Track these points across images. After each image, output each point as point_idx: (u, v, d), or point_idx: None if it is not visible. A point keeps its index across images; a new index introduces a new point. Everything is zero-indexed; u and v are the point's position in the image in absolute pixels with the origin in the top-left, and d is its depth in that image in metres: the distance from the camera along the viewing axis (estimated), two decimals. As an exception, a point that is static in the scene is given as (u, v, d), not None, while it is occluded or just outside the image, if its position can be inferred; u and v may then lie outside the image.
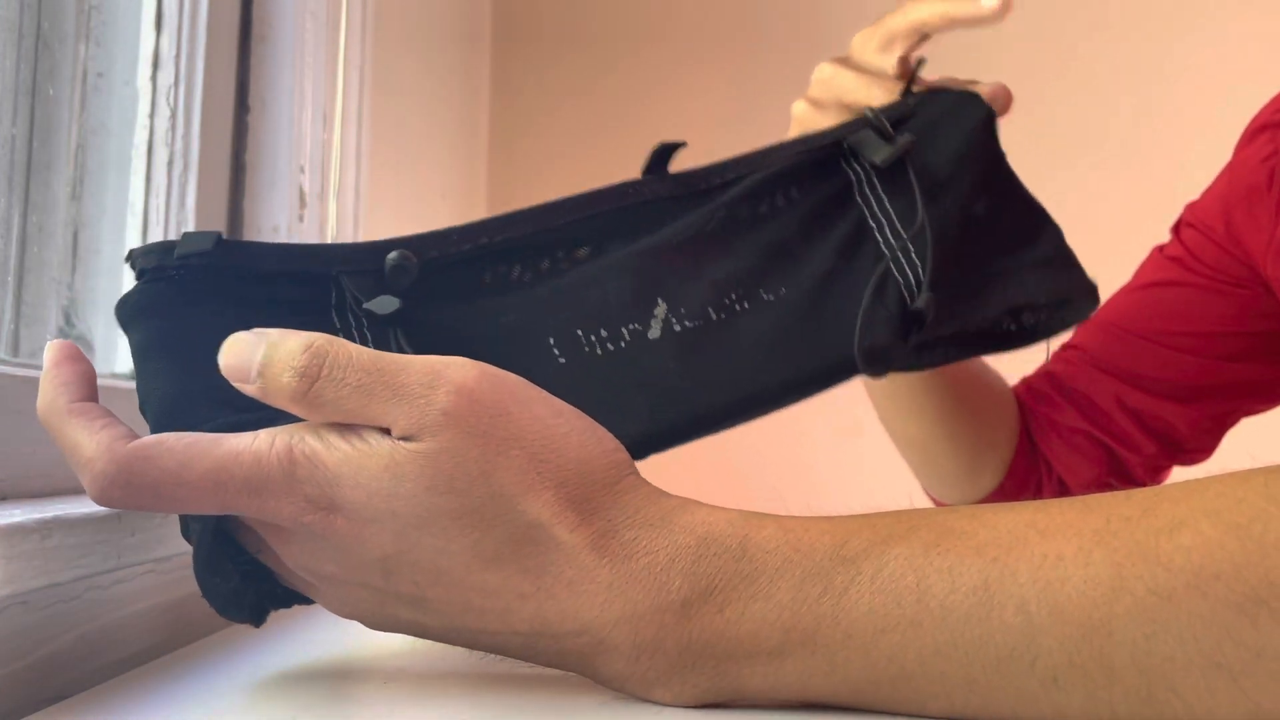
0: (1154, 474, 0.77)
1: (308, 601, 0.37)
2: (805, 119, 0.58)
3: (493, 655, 0.35)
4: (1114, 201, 1.66)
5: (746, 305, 0.42)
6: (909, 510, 0.33)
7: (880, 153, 0.46)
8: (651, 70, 1.86)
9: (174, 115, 0.69)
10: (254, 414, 0.34)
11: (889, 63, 0.56)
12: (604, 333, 0.40)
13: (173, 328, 0.36)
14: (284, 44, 0.79)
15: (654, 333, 0.41)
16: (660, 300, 0.41)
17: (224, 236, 0.37)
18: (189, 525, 0.35)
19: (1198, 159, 0.92)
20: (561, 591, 0.32)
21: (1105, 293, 0.80)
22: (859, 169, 0.47)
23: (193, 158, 0.70)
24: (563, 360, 0.40)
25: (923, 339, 0.46)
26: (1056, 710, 0.29)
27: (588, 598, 0.32)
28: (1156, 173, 1.60)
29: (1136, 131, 1.70)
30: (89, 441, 0.33)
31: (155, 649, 0.46)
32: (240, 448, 0.32)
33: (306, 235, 0.81)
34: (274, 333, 0.33)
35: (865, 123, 0.47)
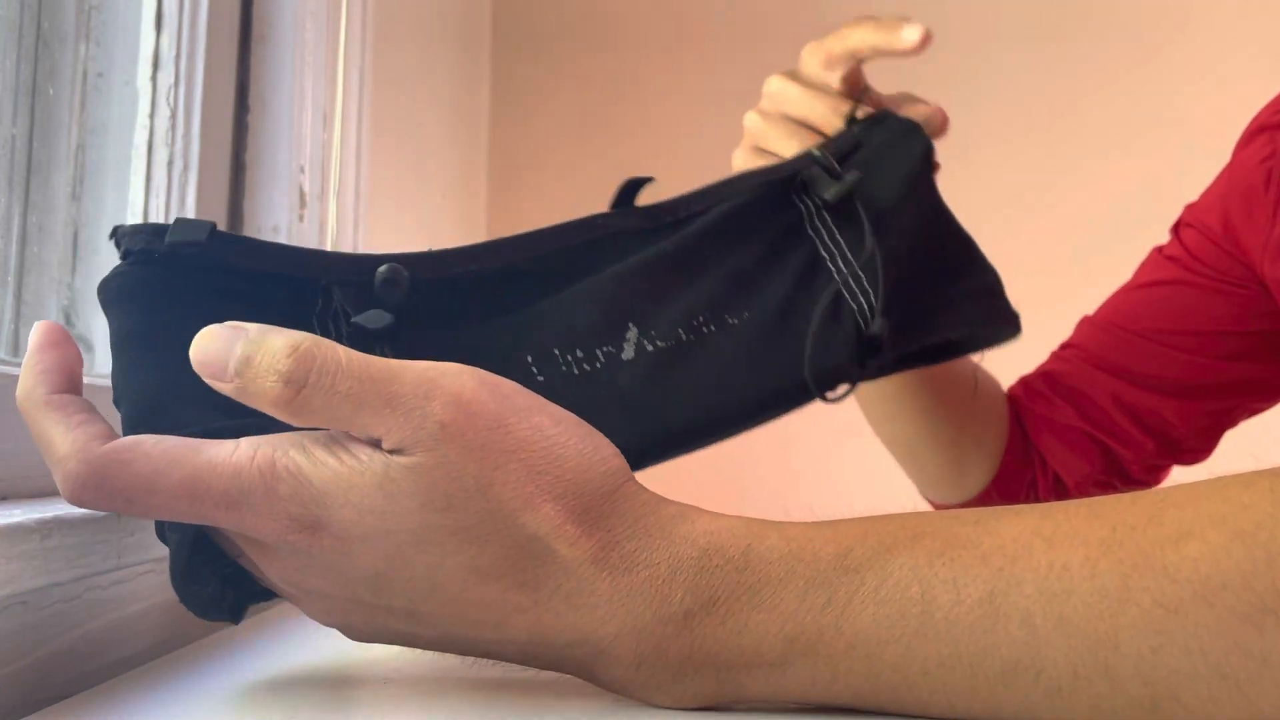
0: (1151, 472, 0.77)
1: None
2: (754, 130, 0.60)
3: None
4: (1113, 202, 1.66)
5: (713, 328, 0.44)
6: (913, 515, 0.33)
7: (829, 189, 0.49)
8: (651, 70, 1.86)
9: (174, 115, 0.69)
10: (238, 420, 0.33)
11: (832, 79, 0.58)
12: (579, 353, 0.42)
13: (155, 318, 0.35)
14: (284, 44, 0.79)
15: (627, 353, 0.43)
16: (631, 324, 0.43)
17: (217, 228, 0.37)
18: (165, 530, 0.34)
19: (1197, 160, 0.93)
20: (560, 605, 0.31)
21: (1104, 292, 0.81)
22: (809, 202, 0.49)
23: (193, 158, 0.70)
24: (541, 379, 0.41)
25: (883, 359, 0.49)
26: (1059, 719, 0.29)
27: (587, 610, 0.31)
28: (1155, 173, 1.60)
29: (1136, 132, 1.70)
30: (63, 438, 0.31)
31: (155, 649, 0.46)
32: (219, 459, 0.31)
33: (306, 235, 0.81)
34: (252, 328, 0.31)
35: (814, 161, 0.50)
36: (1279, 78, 0.85)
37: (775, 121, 0.59)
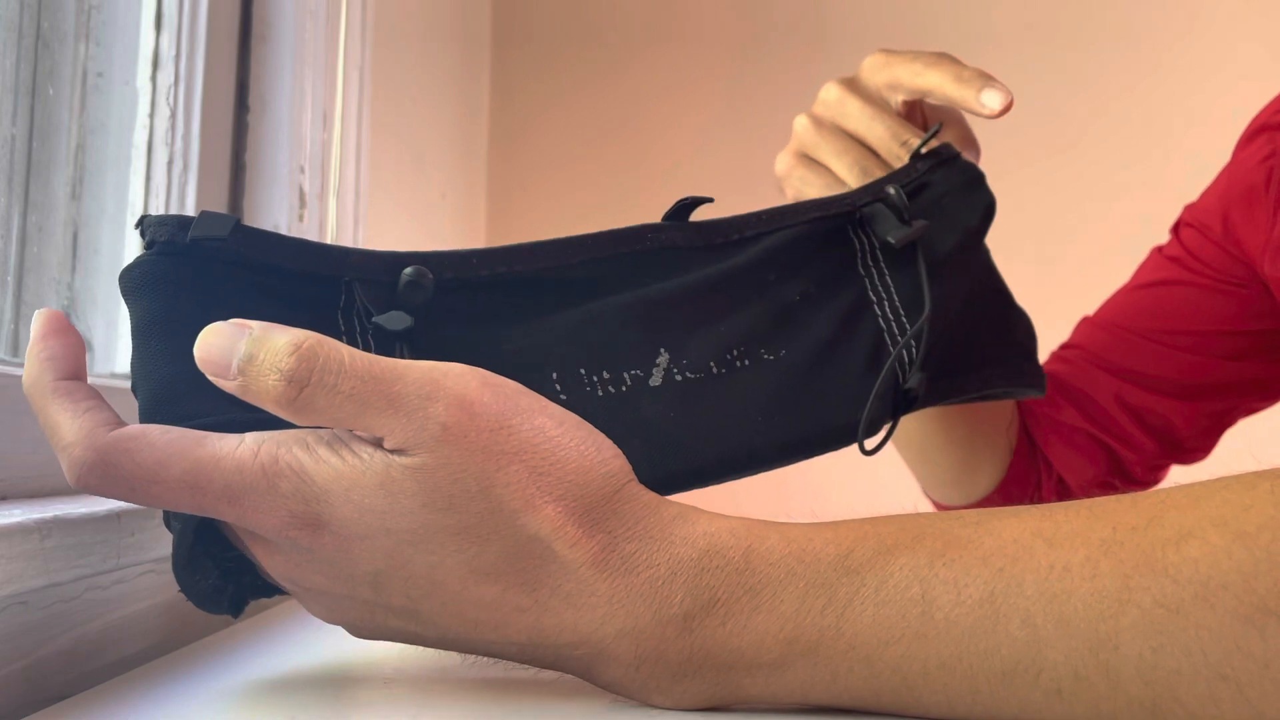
0: (1153, 472, 0.77)
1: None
2: (805, 137, 0.58)
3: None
4: (1113, 202, 1.66)
5: (748, 362, 0.43)
6: (914, 516, 0.33)
7: (894, 232, 0.47)
8: (651, 71, 1.86)
9: (174, 115, 0.69)
10: (251, 413, 0.33)
11: (893, 99, 0.56)
12: (606, 374, 0.40)
13: (176, 309, 0.35)
14: (284, 44, 0.79)
15: (655, 380, 0.41)
16: (663, 350, 0.41)
17: (241, 222, 0.36)
18: (170, 517, 0.34)
19: (1197, 159, 0.93)
20: (560, 605, 0.31)
21: (1105, 292, 0.81)
22: (864, 240, 0.47)
23: (193, 158, 0.70)
24: (564, 396, 0.40)
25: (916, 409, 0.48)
26: None
27: (587, 611, 0.31)
28: (1156, 173, 1.60)
29: (1136, 132, 1.70)
30: (70, 425, 0.32)
31: (155, 649, 0.46)
32: (222, 452, 0.31)
33: (306, 235, 0.81)
34: (256, 326, 0.31)
35: (883, 196, 0.48)
36: (1278, 77, 0.85)
37: (829, 133, 0.57)
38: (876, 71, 0.57)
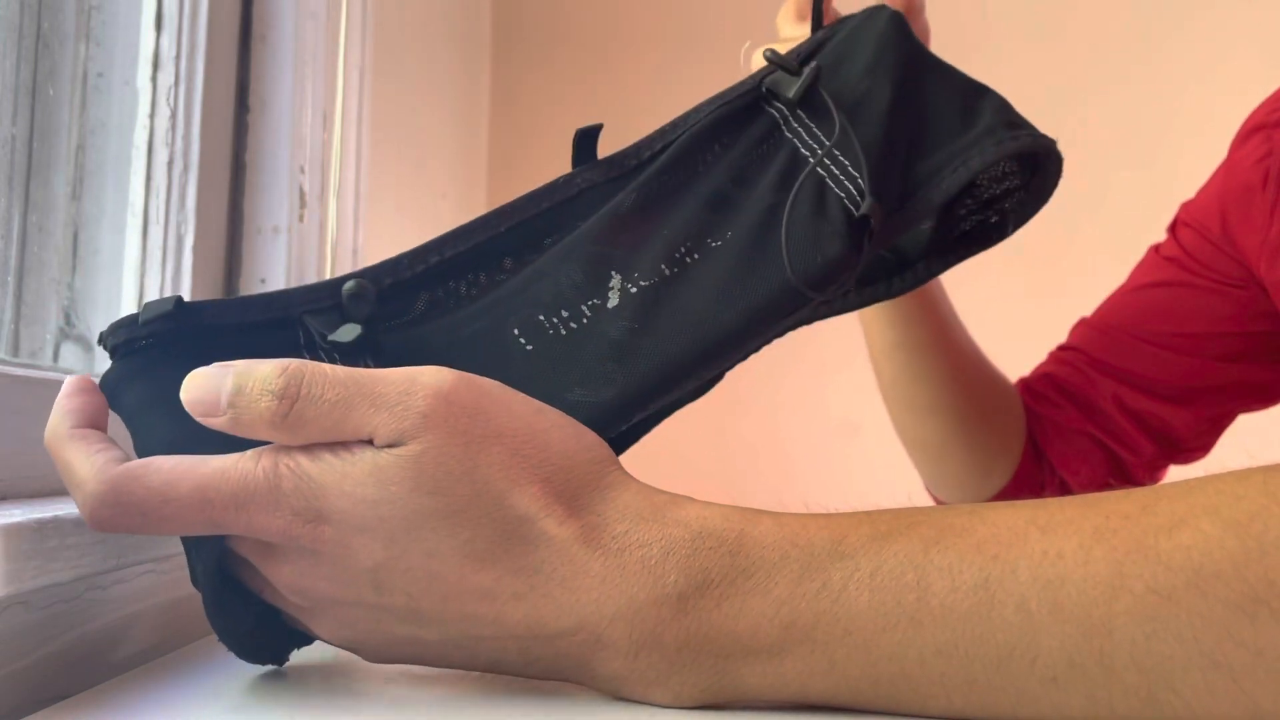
0: (1152, 473, 0.77)
1: None
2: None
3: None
4: (1110, 201, 1.66)
5: (696, 256, 0.43)
6: (908, 507, 0.33)
7: (791, 87, 0.47)
8: (651, 71, 1.86)
9: (174, 115, 0.69)
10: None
11: (806, 29, 0.57)
12: (565, 313, 0.41)
13: (161, 388, 0.36)
14: (284, 44, 0.79)
15: (612, 302, 0.41)
16: (613, 273, 0.42)
17: (183, 299, 0.38)
18: (195, 570, 0.35)
19: (1193, 158, 0.93)
20: (555, 589, 0.32)
21: (1103, 293, 0.81)
22: (781, 108, 0.48)
23: (193, 158, 0.70)
24: (530, 347, 0.40)
25: (899, 260, 0.47)
26: (1056, 710, 0.29)
27: (582, 593, 0.31)
28: (1152, 172, 1.60)
29: (1132, 130, 1.70)
30: (84, 464, 0.33)
31: (155, 649, 0.46)
32: (226, 465, 0.32)
33: (306, 235, 0.81)
34: (238, 363, 0.33)
35: (772, 63, 0.48)
36: (1274, 75, 0.85)
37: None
38: (784, 15, 0.60)
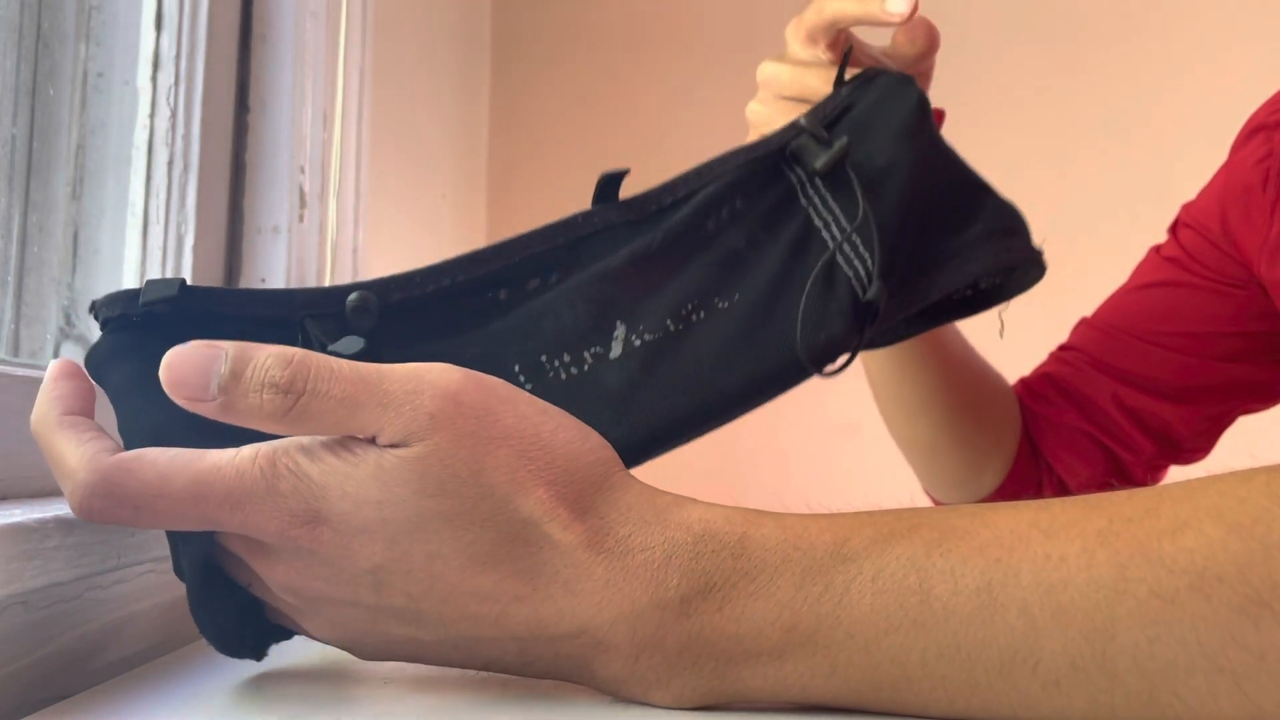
0: (1152, 473, 0.77)
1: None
2: (755, 118, 0.59)
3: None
4: (1111, 201, 1.66)
5: (703, 315, 0.43)
6: (910, 509, 0.33)
7: (819, 159, 0.47)
8: (651, 71, 1.86)
9: (174, 115, 0.69)
10: (243, 445, 0.34)
11: (817, 53, 0.57)
12: (566, 357, 0.41)
13: (148, 368, 0.35)
14: (284, 44, 0.79)
15: (615, 352, 0.41)
16: (619, 322, 0.42)
17: (187, 283, 0.37)
18: (180, 562, 0.35)
19: (1194, 159, 0.93)
20: (557, 591, 0.31)
21: (1103, 292, 0.81)
22: (800, 173, 0.47)
23: (193, 158, 0.70)
24: (529, 386, 0.40)
25: (885, 323, 0.47)
26: (1058, 714, 0.29)
27: (584, 596, 0.31)
28: (1153, 172, 1.60)
29: (1133, 131, 1.70)
30: (74, 453, 0.33)
31: (155, 649, 0.46)
32: (222, 461, 0.32)
33: (307, 235, 0.81)
34: (229, 345, 0.32)
35: (801, 129, 0.48)
36: (1275, 74, 0.85)
37: (773, 104, 0.58)
38: (794, 33, 0.57)
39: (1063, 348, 0.80)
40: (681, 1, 1.88)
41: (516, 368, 0.40)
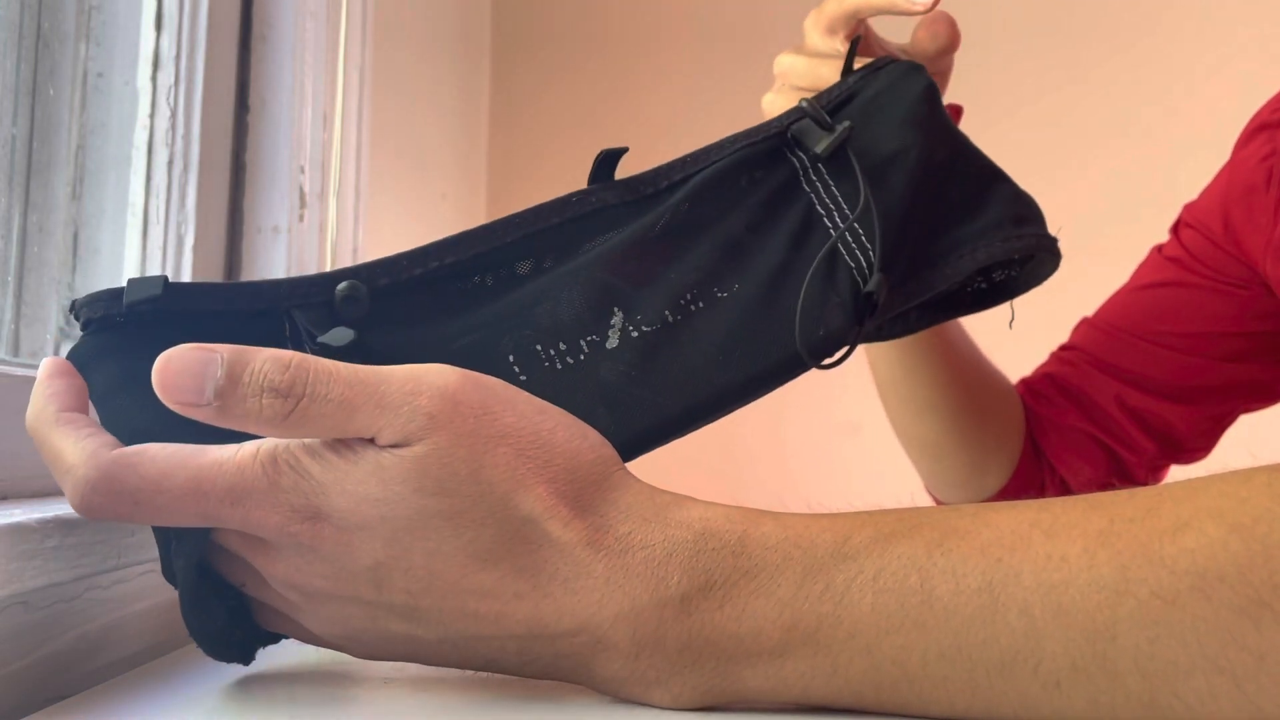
0: (1153, 473, 0.77)
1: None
2: (771, 109, 0.58)
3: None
4: (1113, 201, 1.66)
5: (702, 305, 0.42)
6: (910, 508, 0.33)
7: (820, 142, 0.46)
8: (651, 71, 1.86)
9: (174, 115, 0.69)
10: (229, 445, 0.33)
11: (835, 44, 0.56)
12: (563, 346, 0.40)
13: (133, 368, 0.35)
14: (284, 44, 0.79)
15: (612, 342, 0.41)
16: (616, 310, 0.41)
17: (169, 280, 0.37)
18: (172, 564, 0.34)
19: (1196, 158, 0.93)
20: (557, 589, 0.31)
21: (1105, 292, 0.81)
22: (803, 157, 0.46)
23: (193, 158, 0.70)
24: (524, 377, 0.40)
25: (886, 315, 0.46)
26: (1059, 714, 0.29)
27: (584, 594, 0.31)
28: (1155, 172, 1.60)
29: (1135, 130, 1.70)
30: (73, 449, 0.32)
31: (155, 649, 0.46)
32: (223, 457, 0.32)
33: (306, 235, 0.81)
34: (223, 349, 0.31)
35: (804, 112, 0.47)
36: (1278, 74, 0.84)
37: (788, 95, 0.57)
38: (813, 24, 0.57)
39: (1064, 348, 0.80)
40: (682, 2, 1.88)
41: (511, 358, 0.40)
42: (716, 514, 0.32)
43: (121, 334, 0.36)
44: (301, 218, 0.80)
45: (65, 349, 0.63)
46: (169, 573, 0.35)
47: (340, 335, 0.37)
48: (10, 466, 0.46)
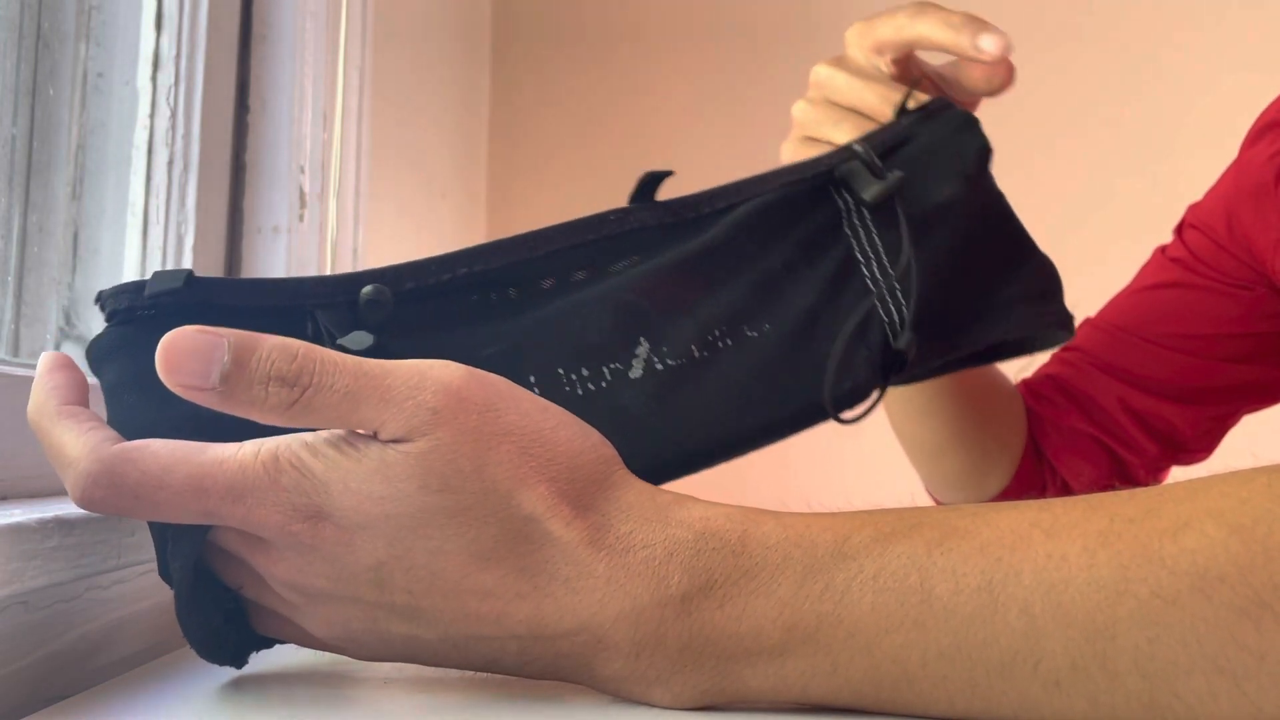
0: (1155, 474, 0.77)
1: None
2: (802, 118, 0.57)
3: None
4: (1116, 202, 1.66)
5: (730, 342, 0.41)
6: (911, 508, 0.33)
7: (869, 189, 0.45)
8: (652, 71, 1.86)
9: (174, 115, 0.69)
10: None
11: (880, 65, 0.55)
12: (585, 371, 0.39)
13: (146, 365, 0.34)
14: (284, 44, 0.79)
15: (635, 372, 0.40)
16: (643, 339, 0.40)
17: (194, 274, 0.37)
18: (168, 565, 0.34)
19: (1200, 159, 0.93)
20: (559, 589, 0.31)
21: (1108, 292, 0.80)
22: (848, 199, 0.46)
23: (193, 158, 0.70)
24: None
25: (910, 372, 0.45)
26: (1058, 714, 0.29)
27: (585, 594, 0.31)
28: (1159, 172, 1.60)
29: (1139, 131, 1.70)
30: (75, 443, 0.32)
31: (155, 649, 0.46)
32: (225, 454, 0.32)
33: (306, 235, 0.81)
34: (230, 334, 0.31)
35: (854, 154, 0.46)
36: None
37: (824, 108, 0.56)
38: (860, 39, 0.55)
39: (1066, 348, 0.80)
40: (682, 2, 1.88)
41: (532, 379, 0.39)
42: (717, 513, 0.32)
43: (139, 328, 0.36)
44: (301, 218, 0.80)
45: (65, 349, 0.63)
46: (165, 573, 0.35)
47: (360, 339, 0.37)
48: (10, 466, 0.46)
